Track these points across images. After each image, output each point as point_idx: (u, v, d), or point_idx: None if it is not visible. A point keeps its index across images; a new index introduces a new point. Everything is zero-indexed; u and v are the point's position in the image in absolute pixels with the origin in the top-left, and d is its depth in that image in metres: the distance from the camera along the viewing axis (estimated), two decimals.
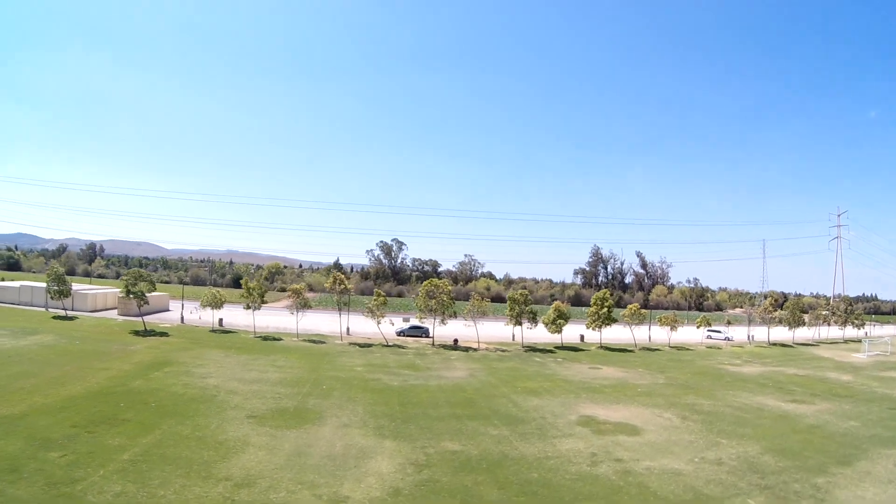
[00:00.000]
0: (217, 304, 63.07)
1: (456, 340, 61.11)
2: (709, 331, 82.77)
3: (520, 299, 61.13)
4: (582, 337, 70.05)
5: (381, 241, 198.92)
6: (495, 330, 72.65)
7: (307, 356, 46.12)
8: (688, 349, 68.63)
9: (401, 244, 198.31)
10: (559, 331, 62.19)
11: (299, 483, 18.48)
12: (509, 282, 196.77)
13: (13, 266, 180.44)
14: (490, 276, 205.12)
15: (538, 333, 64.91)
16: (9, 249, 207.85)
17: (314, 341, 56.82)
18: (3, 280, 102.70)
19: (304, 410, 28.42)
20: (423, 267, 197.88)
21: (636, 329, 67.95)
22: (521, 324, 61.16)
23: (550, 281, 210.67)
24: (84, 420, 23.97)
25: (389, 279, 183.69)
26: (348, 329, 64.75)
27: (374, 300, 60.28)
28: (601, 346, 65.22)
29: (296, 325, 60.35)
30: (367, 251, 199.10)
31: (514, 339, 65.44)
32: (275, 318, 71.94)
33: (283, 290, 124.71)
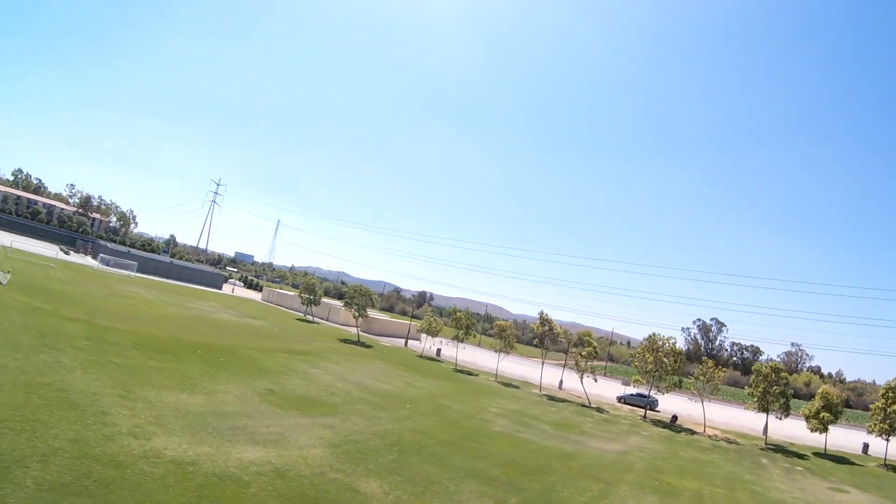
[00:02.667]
0: (433, 331, 71.99)
1: (675, 417, 55.62)
2: None
3: (768, 374, 51.89)
4: (866, 446, 55.22)
5: (699, 320, 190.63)
6: (741, 414, 65.18)
7: (470, 391, 48.62)
8: None
9: (721, 325, 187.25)
10: (824, 428, 50.82)
11: None
12: (840, 381, 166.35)
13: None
14: (817, 370, 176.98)
15: (799, 430, 54.60)
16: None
17: (505, 384, 59.19)
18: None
19: (362, 417, 31.29)
20: (741, 353, 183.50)
21: None
22: (766, 410, 52.24)
23: None
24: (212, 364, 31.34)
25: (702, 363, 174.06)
26: (561, 383, 66.65)
27: (583, 350, 59.48)
28: (885, 464, 48.59)
29: (498, 366, 65.68)
30: (683, 328, 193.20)
31: (763, 431, 55.35)
32: (512, 365, 79.16)
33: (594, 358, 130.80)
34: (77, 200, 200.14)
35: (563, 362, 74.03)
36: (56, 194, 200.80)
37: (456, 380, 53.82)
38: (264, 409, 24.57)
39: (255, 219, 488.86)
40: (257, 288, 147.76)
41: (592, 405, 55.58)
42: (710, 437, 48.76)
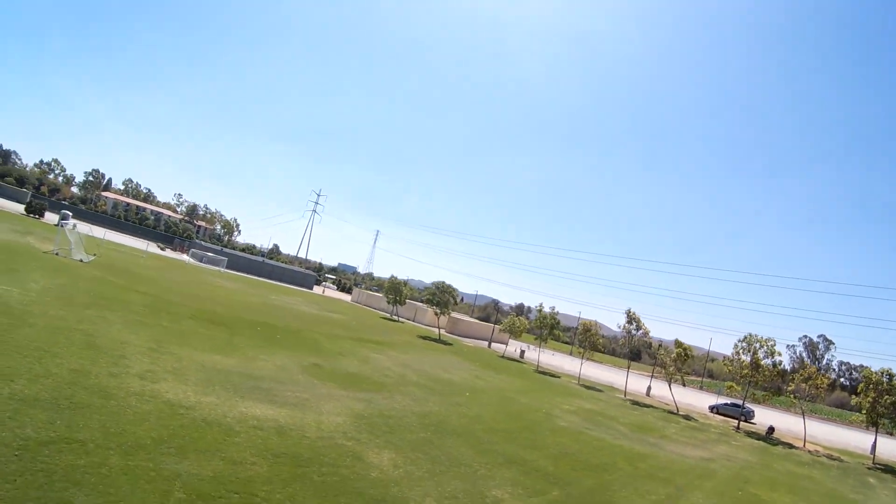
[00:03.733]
0: (516, 331, 70.71)
1: (771, 429, 50.00)
2: None
3: (879, 381, 44.28)
4: None
5: (806, 337, 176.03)
6: (847, 433, 59.16)
7: (545, 389, 46.29)
8: None
9: (829, 342, 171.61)
10: None
11: None
12: None
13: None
14: None
15: None
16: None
17: (587, 386, 56.56)
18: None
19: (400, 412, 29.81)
20: (850, 373, 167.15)
21: None
22: (876, 423, 44.86)
23: None
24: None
25: None
26: (649, 389, 62.72)
27: (672, 351, 55.21)
28: None
29: (584, 370, 63.18)
30: (788, 346, 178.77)
31: (871, 450, 47.51)
32: (597, 370, 79.08)
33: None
34: (184, 209, 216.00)
35: (652, 372, 69.80)
36: (165, 203, 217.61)
37: (533, 378, 51.65)
38: (300, 379, 24.21)
39: (355, 230, 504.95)
40: (348, 290, 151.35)
41: (680, 412, 51.67)
42: (809, 452, 43.26)
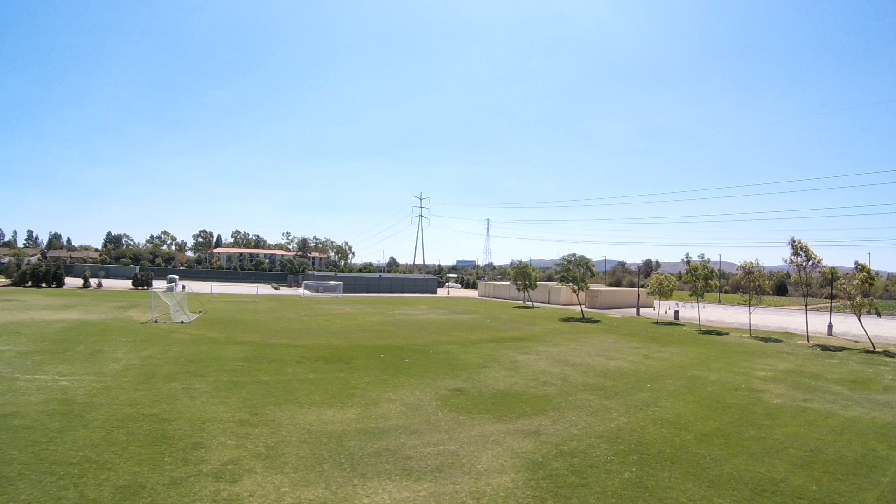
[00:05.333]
0: (665, 292, 62.54)
1: None
2: None
3: None
4: None
5: None
6: None
7: (724, 353, 37.80)
8: None
9: None
10: None
11: None
12: None
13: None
14: None
15: None
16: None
17: (763, 339, 47.46)
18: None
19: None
20: None
21: None
22: None
23: None
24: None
25: None
26: (830, 328, 52.71)
27: (854, 277, 44.74)
28: None
29: (748, 320, 55.16)
30: None
31: None
32: (763, 316, 70.89)
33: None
34: (295, 245, 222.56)
35: (829, 305, 58.43)
36: (276, 244, 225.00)
37: (702, 343, 43.67)
38: (440, 418, 18.48)
39: (465, 224, 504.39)
40: (474, 286, 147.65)
41: (878, 349, 42.04)
42: None
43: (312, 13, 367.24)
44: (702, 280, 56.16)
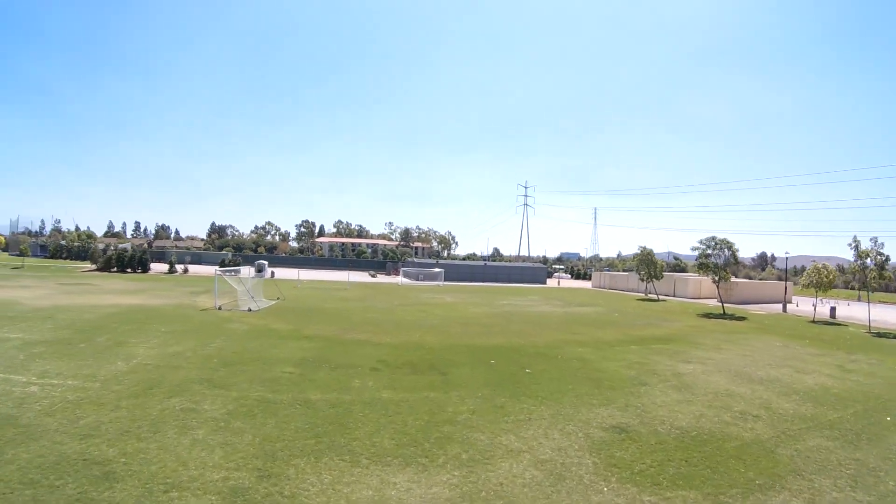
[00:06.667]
0: (825, 284, 51.48)
1: None
2: None
3: None
4: None
5: None
6: None
7: None
8: None
9: None
10: None
11: None
12: None
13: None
14: None
15: None
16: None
17: None
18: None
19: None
20: None
21: None
22: None
23: None
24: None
25: None
26: None
27: None
28: None
29: None
30: None
31: None
32: None
33: None
34: (398, 235, 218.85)
35: None
36: (379, 235, 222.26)
37: (893, 350, 33.19)
38: (597, 489, 10.05)
39: (568, 214, 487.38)
40: (586, 277, 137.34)
41: None
42: None
43: (410, 4, 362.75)
44: (875, 270, 43.70)
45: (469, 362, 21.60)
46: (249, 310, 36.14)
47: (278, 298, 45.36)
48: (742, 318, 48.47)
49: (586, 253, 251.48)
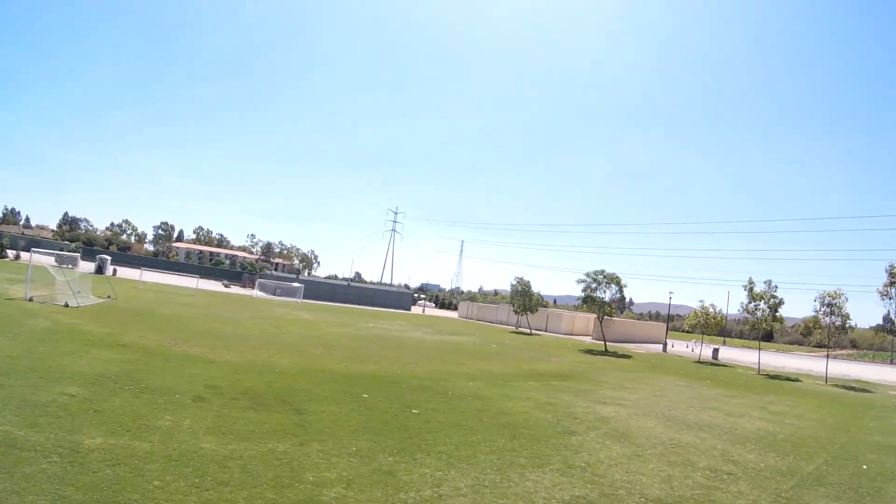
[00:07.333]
0: (712, 327, 52.67)
1: None
2: None
3: None
4: None
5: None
6: None
7: (837, 406, 28.70)
8: None
9: None
10: None
11: None
12: None
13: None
14: None
15: None
16: None
17: (853, 388, 39.07)
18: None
19: None
20: None
21: None
22: None
23: None
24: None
25: None
26: None
27: None
28: None
29: (825, 367, 45.15)
30: None
31: None
32: (799, 360, 67.51)
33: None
34: (258, 249, 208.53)
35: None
36: (240, 246, 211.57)
37: (793, 391, 33.96)
38: None
39: (436, 245, 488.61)
40: (451, 307, 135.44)
41: None
42: None
43: (308, 21, 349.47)
44: (769, 312, 43.78)
45: (334, 395, 15.92)
46: (66, 305, 29.72)
47: (108, 297, 38.11)
48: (627, 357, 46.97)
49: (451, 284, 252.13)
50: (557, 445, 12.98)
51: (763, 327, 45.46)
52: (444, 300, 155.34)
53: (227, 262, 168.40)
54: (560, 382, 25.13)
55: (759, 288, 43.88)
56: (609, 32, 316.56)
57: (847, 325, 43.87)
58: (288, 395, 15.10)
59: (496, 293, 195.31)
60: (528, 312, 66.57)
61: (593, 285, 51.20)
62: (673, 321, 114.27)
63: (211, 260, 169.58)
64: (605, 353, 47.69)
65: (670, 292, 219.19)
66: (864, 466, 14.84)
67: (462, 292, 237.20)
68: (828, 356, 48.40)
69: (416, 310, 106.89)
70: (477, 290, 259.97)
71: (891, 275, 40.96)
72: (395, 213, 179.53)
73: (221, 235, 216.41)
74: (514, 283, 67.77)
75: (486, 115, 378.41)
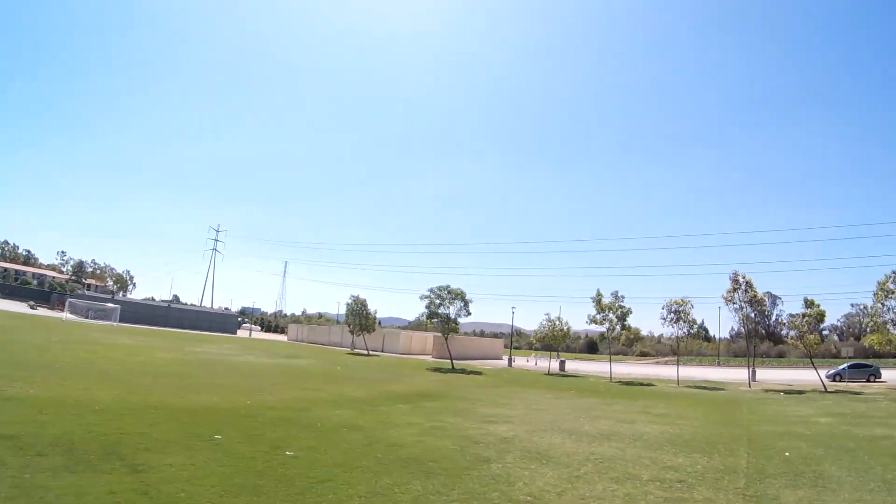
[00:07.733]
0: (559, 339, 54.89)
1: None
2: None
3: None
4: None
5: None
6: None
7: (707, 404, 30.72)
8: None
9: (775, 298, 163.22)
10: None
11: None
12: None
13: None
14: None
15: None
16: None
17: (705, 388, 41.99)
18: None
19: None
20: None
21: None
22: None
23: None
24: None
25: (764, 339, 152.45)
26: (754, 374, 49.36)
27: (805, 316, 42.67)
28: None
29: (676, 372, 47.80)
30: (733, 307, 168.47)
31: None
32: (641, 367, 71.47)
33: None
34: (70, 268, 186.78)
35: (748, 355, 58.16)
36: (49, 265, 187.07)
37: (658, 395, 35.90)
38: None
39: (258, 268, 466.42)
40: (279, 330, 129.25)
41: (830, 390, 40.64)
42: None
43: (138, 20, 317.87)
44: (617, 322, 45.28)
45: (178, 439, 11.88)
46: None
47: None
48: (478, 373, 46.27)
49: (275, 307, 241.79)
50: (482, 478, 10.46)
51: (613, 336, 47.14)
52: (271, 323, 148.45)
53: (35, 281, 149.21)
54: (431, 403, 23.05)
55: (606, 300, 45.47)
56: (436, 56, 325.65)
57: (691, 332, 47.23)
58: (116, 444, 10.82)
59: (321, 316, 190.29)
60: (365, 332, 64.07)
61: (437, 301, 49.99)
62: (501, 338, 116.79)
63: (16, 278, 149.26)
64: (454, 370, 46.75)
65: (513, 307, 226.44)
66: (787, 454, 14.90)
67: (286, 315, 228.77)
68: (678, 361, 50.82)
69: (242, 333, 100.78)
70: (301, 313, 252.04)
71: (734, 282, 43.63)
72: (217, 232, 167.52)
73: (29, 251, 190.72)
74: (350, 301, 64.78)
75: (318, 136, 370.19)
